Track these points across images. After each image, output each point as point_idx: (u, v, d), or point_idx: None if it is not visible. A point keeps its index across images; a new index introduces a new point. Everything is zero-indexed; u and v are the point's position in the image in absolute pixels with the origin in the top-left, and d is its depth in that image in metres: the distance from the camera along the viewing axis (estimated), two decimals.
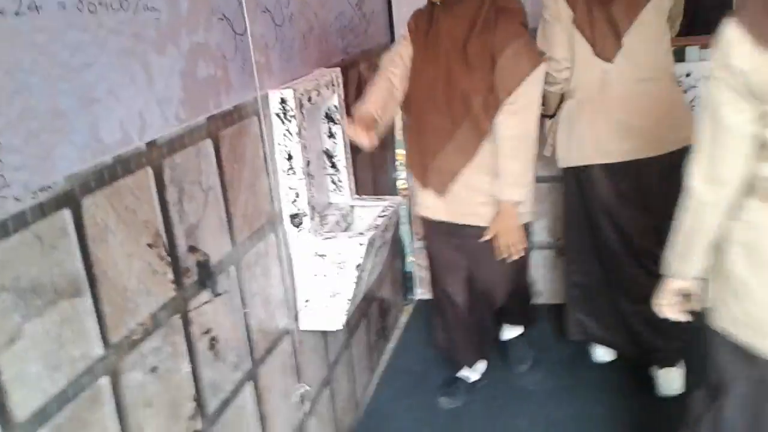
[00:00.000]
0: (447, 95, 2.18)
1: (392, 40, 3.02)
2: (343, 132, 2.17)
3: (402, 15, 2.93)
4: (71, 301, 1.11)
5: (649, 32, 2.21)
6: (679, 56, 2.67)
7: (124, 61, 1.23)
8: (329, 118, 2.16)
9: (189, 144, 1.44)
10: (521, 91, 2.10)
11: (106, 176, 1.19)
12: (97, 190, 1.17)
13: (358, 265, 1.89)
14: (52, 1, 1.06)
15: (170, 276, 1.38)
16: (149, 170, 1.31)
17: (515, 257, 2.28)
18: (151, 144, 1.31)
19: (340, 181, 2.24)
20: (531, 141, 2.19)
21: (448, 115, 2.19)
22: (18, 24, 0.99)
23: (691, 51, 2.65)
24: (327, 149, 2.20)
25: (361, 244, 1.88)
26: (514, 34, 2.09)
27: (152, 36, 1.31)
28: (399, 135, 3.14)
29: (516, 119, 2.13)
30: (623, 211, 2.36)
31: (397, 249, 3.25)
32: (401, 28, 2.96)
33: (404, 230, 3.35)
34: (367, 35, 2.71)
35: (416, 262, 3.37)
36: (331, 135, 2.18)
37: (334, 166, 2.22)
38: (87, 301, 1.14)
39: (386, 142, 3.02)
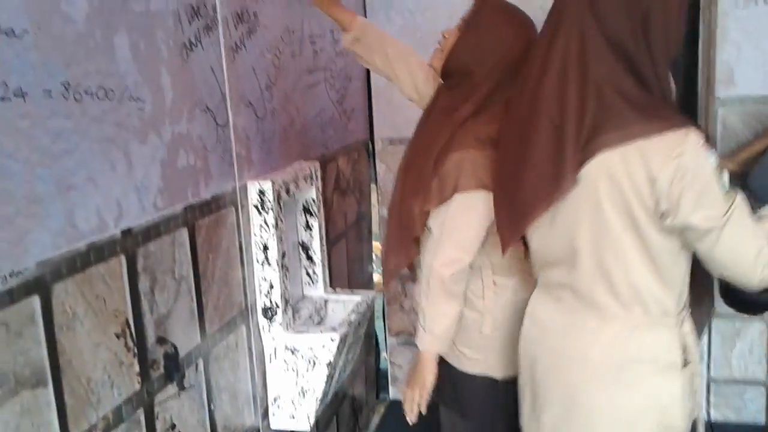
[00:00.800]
0: (401, 180, 1.80)
1: (371, 136, 3.09)
2: (320, 225, 2.18)
3: (382, 112, 3.03)
4: (33, 391, 1.06)
5: None
6: None
7: (105, 148, 1.23)
8: (306, 211, 2.17)
9: (164, 233, 1.43)
10: (434, 215, 1.66)
11: (78, 263, 1.17)
12: (68, 277, 1.14)
13: (329, 363, 1.85)
14: (39, 88, 1.07)
15: (136, 368, 1.33)
16: (123, 258, 1.29)
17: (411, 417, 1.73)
18: (126, 232, 1.30)
19: (314, 273, 2.22)
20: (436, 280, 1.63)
21: (395, 205, 1.81)
22: (3, 110, 1.00)
23: None
24: (303, 241, 2.20)
25: (332, 340, 1.84)
26: (470, 144, 1.60)
27: (135, 125, 1.32)
28: (376, 228, 3.16)
29: (427, 247, 1.69)
30: None
31: (370, 345, 3.20)
32: (380, 126, 3.06)
33: (379, 325, 3.31)
34: (347, 131, 2.77)
35: (390, 359, 3.31)
36: (308, 227, 2.19)
37: (309, 258, 2.21)
38: (49, 392, 1.09)
39: (362, 235, 3.04)
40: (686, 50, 2.77)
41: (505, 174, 1.43)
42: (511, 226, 1.44)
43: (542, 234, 1.43)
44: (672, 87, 1.34)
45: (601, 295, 1.36)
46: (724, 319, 2.95)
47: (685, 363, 1.39)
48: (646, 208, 1.27)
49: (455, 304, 1.65)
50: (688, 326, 1.41)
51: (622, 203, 1.28)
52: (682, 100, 2.80)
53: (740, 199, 1.28)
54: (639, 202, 1.27)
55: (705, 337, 2.97)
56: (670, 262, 1.33)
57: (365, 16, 2.88)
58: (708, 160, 1.25)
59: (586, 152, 1.27)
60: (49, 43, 1.09)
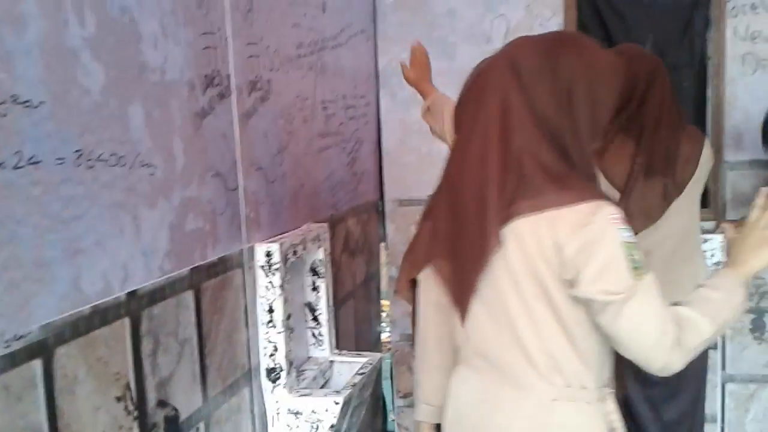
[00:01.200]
0: None
1: (382, 197, 3.14)
2: (327, 286, 2.19)
3: (392, 174, 3.08)
4: None
5: None
6: None
7: (114, 213, 1.26)
8: (314, 272, 2.19)
9: (170, 295, 1.45)
10: None
11: (82, 327, 1.19)
12: (71, 341, 1.16)
13: (332, 426, 1.83)
14: (52, 156, 1.11)
15: None
16: (126, 321, 1.31)
17: None
18: (131, 294, 1.32)
19: (321, 335, 2.23)
20: None
21: None
22: (16, 177, 1.04)
23: None
24: (309, 302, 2.21)
25: (336, 403, 1.84)
26: None
27: (145, 190, 1.36)
28: (384, 286, 3.17)
29: None
30: None
31: (378, 406, 3.16)
32: (391, 187, 3.10)
33: (386, 386, 3.28)
34: (357, 192, 2.81)
35: (398, 421, 3.27)
36: (315, 288, 2.20)
37: (315, 319, 2.22)
38: None
39: (370, 295, 3.04)
40: (695, 115, 2.80)
41: (443, 245, 1.42)
42: (459, 298, 1.41)
43: None
44: None
45: (518, 365, 1.33)
46: (738, 382, 2.90)
47: None
48: (555, 277, 1.26)
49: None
50: (611, 405, 1.38)
51: (533, 271, 1.28)
52: None
53: (650, 279, 1.24)
54: (548, 270, 1.26)
55: (719, 401, 2.92)
56: (584, 333, 1.29)
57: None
58: (617, 235, 1.23)
59: (502, 218, 1.27)
60: (64, 113, 1.13)
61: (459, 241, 1.37)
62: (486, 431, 1.39)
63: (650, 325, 1.23)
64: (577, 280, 1.24)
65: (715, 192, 2.78)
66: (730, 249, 1.41)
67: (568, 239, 1.23)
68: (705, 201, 2.80)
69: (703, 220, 2.77)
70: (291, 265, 1.94)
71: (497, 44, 2.84)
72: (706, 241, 2.62)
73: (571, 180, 1.27)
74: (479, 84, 1.36)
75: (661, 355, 1.24)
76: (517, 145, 1.27)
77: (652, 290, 1.24)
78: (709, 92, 2.74)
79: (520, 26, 2.83)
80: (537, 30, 2.79)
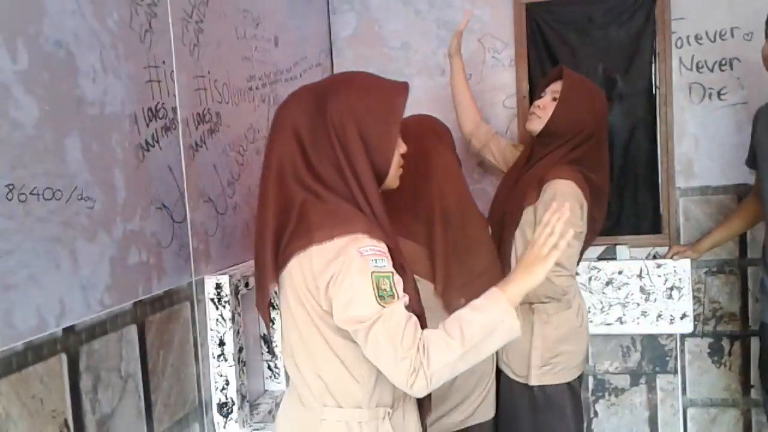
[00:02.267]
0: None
1: None
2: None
3: None
4: None
5: None
6: (611, 254, 2.81)
7: (49, 247, 1.25)
8: (269, 304, 2.17)
9: (111, 330, 1.43)
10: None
11: (14, 363, 1.16)
12: (2, 378, 1.14)
13: None
14: None
15: None
16: (63, 357, 1.29)
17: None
18: (68, 330, 1.30)
19: (276, 367, 2.20)
20: None
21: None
22: None
23: (622, 250, 2.78)
24: (264, 334, 2.19)
25: None
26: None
27: (83, 224, 1.35)
28: None
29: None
30: None
31: None
32: None
33: None
34: None
35: None
36: (271, 320, 2.18)
37: (271, 351, 2.20)
38: None
39: None
40: (647, 142, 2.86)
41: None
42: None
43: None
44: None
45: (299, 386, 1.45)
46: (699, 407, 2.92)
47: None
48: (318, 308, 1.34)
49: None
50: (387, 425, 1.42)
51: (301, 303, 1.36)
52: (645, 192, 2.88)
53: (395, 307, 1.27)
54: (312, 302, 1.34)
55: (681, 427, 2.93)
56: (354, 357, 1.36)
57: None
58: (366, 266, 1.26)
59: (282, 259, 1.37)
60: None
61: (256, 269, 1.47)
62: None
63: (386, 351, 1.26)
64: (333, 310, 1.31)
65: (667, 218, 2.83)
66: (515, 264, 1.43)
67: (321, 272, 1.30)
68: (658, 226, 2.86)
69: (656, 245, 2.84)
70: (243, 297, 1.92)
71: None
72: (659, 266, 2.67)
73: (344, 216, 1.32)
74: (269, 141, 1.42)
75: (402, 378, 1.25)
76: (295, 193, 1.35)
77: (394, 318, 1.26)
78: (659, 121, 2.81)
79: (473, 58, 2.88)
80: (490, 62, 2.86)
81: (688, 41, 2.76)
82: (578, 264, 2.21)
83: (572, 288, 2.11)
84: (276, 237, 1.38)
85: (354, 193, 1.35)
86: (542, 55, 2.86)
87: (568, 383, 2.15)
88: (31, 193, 1.21)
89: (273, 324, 2.09)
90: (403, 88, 1.40)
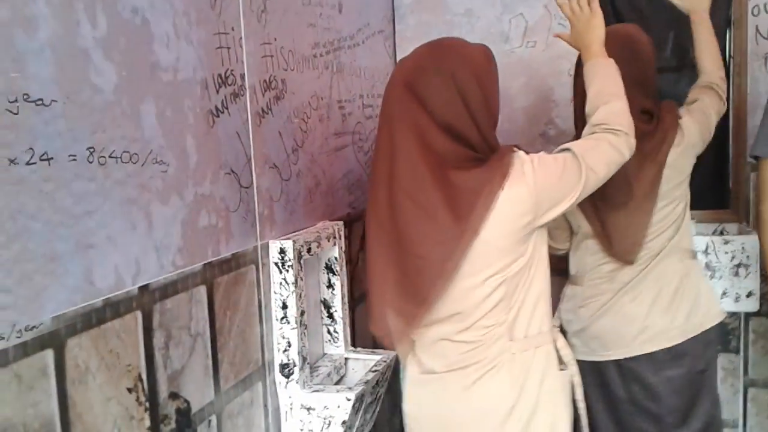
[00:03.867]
0: None
1: None
2: (342, 284, 2.21)
3: None
4: None
5: None
6: None
7: (126, 209, 1.30)
8: (329, 269, 2.21)
9: (182, 290, 1.48)
10: None
11: (93, 319, 1.22)
12: (83, 332, 1.20)
13: (344, 422, 1.85)
14: (64, 153, 1.14)
15: (147, 423, 1.36)
16: (138, 314, 1.34)
17: None
18: (143, 288, 1.35)
19: (336, 332, 2.25)
20: None
21: None
22: (28, 173, 1.07)
23: None
24: (325, 299, 2.23)
25: (348, 399, 1.85)
26: None
27: (158, 187, 1.39)
28: None
29: None
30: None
31: (396, 405, 3.17)
32: None
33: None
34: None
35: None
36: (330, 285, 2.22)
37: (330, 316, 2.24)
38: None
39: None
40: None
41: (387, 264, 1.55)
42: (412, 311, 1.55)
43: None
44: None
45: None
46: (760, 387, 2.86)
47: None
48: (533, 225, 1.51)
49: None
50: (562, 341, 1.64)
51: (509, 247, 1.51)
52: (714, 165, 2.79)
53: (572, 147, 1.56)
54: (528, 227, 1.51)
55: (741, 406, 2.87)
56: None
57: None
58: (544, 161, 1.50)
59: (472, 222, 1.44)
60: (76, 111, 1.17)
61: (405, 267, 1.51)
62: None
63: (603, 153, 1.56)
64: (549, 210, 1.50)
65: (736, 193, 2.74)
66: (576, 46, 1.78)
67: (526, 192, 1.46)
68: (727, 201, 2.77)
69: (726, 221, 2.76)
70: (305, 262, 1.96)
71: (516, 43, 2.87)
72: (726, 242, 2.59)
73: (490, 162, 1.48)
74: (387, 111, 1.55)
75: (626, 151, 1.58)
76: (437, 156, 1.45)
77: (584, 148, 1.56)
78: (732, 91, 2.70)
79: (539, 25, 2.82)
80: (556, 29, 2.79)
81: (766, 9, 2.64)
82: None
83: None
84: (444, 204, 1.45)
85: (474, 143, 1.48)
86: (611, 22, 2.77)
87: None
88: (110, 157, 1.25)
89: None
90: (490, 50, 1.58)
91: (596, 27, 1.71)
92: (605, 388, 2.11)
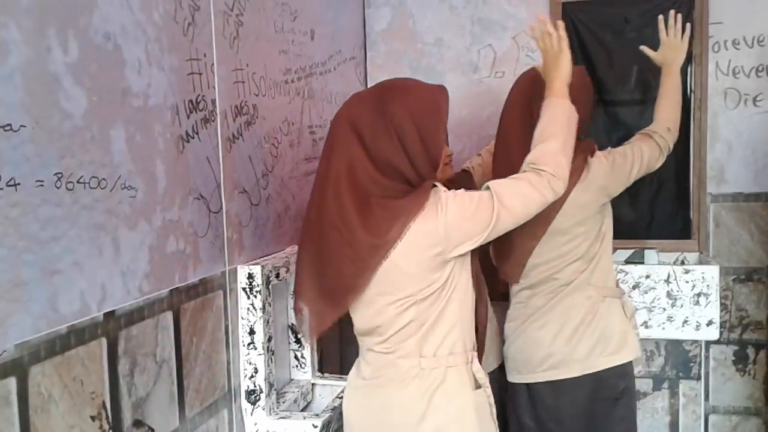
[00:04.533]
0: None
1: None
2: None
3: None
4: None
5: None
6: (639, 258, 2.80)
7: (93, 235, 1.29)
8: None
9: (148, 316, 1.47)
10: None
11: (57, 346, 1.20)
12: (46, 360, 1.18)
13: None
14: (32, 178, 1.14)
15: None
16: (103, 341, 1.33)
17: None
18: (108, 315, 1.34)
19: (303, 357, 2.24)
20: None
21: None
22: None
23: (650, 254, 2.77)
24: (292, 324, 2.22)
25: (314, 426, 1.85)
26: None
27: (126, 212, 1.39)
28: None
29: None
30: None
31: None
32: None
33: None
34: None
35: None
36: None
37: (298, 341, 2.23)
38: None
39: None
40: (680, 146, 2.84)
41: (310, 273, 1.63)
42: (327, 315, 1.65)
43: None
44: None
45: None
46: (721, 414, 2.91)
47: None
48: (438, 259, 1.54)
49: None
50: (477, 365, 1.66)
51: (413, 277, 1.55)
52: (676, 196, 2.87)
53: (494, 188, 1.57)
54: (433, 259, 1.54)
55: (702, 431, 2.93)
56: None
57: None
58: (458, 197, 1.53)
59: (384, 247, 1.51)
60: (45, 136, 1.17)
61: (328, 274, 1.59)
62: None
63: (525, 194, 1.58)
64: (459, 245, 1.54)
65: (697, 223, 2.81)
66: (545, 79, 1.81)
67: (437, 227, 1.51)
68: (688, 232, 2.84)
69: (685, 251, 2.82)
70: (273, 287, 1.96)
71: (485, 73, 2.92)
72: (687, 272, 2.65)
73: (412, 194, 1.53)
74: (328, 143, 1.59)
75: (547, 193, 1.60)
76: (365, 189, 1.52)
77: (503, 186, 1.58)
78: (692, 125, 2.78)
79: (507, 56, 2.88)
80: (524, 60, 2.85)
81: (726, 46, 2.73)
82: None
83: None
84: (365, 234, 1.52)
85: (412, 180, 1.55)
86: (577, 55, 2.84)
87: None
88: (78, 182, 1.24)
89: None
90: (445, 92, 1.62)
91: (562, 65, 1.75)
92: (518, 409, 2.17)
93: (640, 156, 2.06)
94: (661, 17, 2.12)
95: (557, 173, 1.60)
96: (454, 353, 1.60)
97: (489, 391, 1.67)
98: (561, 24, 1.79)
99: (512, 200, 1.55)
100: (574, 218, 2.01)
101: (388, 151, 1.52)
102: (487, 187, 1.58)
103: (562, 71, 1.75)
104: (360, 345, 1.72)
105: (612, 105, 2.88)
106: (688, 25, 2.15)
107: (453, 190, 1.56)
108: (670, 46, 2.14)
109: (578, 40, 2.84)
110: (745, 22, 2.70)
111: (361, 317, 1.64)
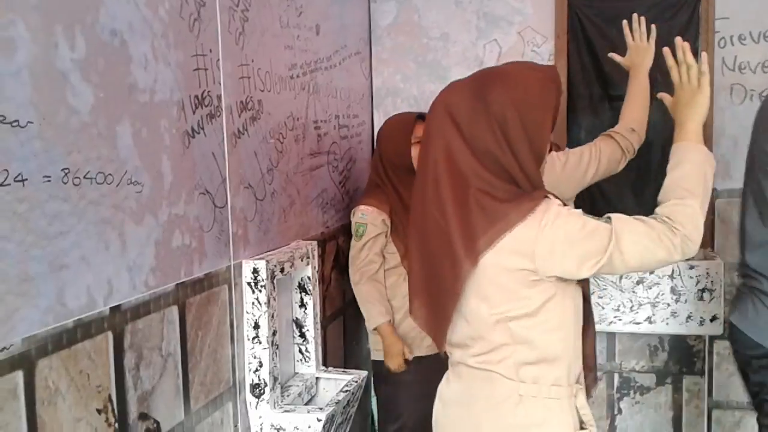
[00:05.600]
0: None
1: None
2: (314, 303, 2.22)
3: None
4: None
5: None
6: None
7: (100, 229, 1.30)
8: (302, 289, 2.22)
9: (154, 310, 1.48)
10: None
11: (64, 340, 1.22)
12: (53, 353, 1.19)
13: None
14: (39, 174, 1.15)
15: None
16: (109, 335, 1.34)
17: None
18: (115, 309, 1.35)
19: (307, 351, 2.25)
20: None
21: None
22: (2, 194, 1.07)
23: None
24: (297, 318, 2.24)
25: (318, 420, 1.86)
26: None
27: (132, 207, 1.40)
28: None
29: None
30: None
31: (366, 424, 3.18)
32: None
33: (374, 403, 3.29)
34: (348, 210, 2.84)
35: None
36: (303, 305, 2.23)
37: (302, 335, 2.24)
38: None
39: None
40: None
41: (419, 276, 1.52)
42: (436, 325, 1.52)
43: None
44: None
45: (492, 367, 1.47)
46: (724, 409, 2.92)
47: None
48: (531, 277, 1.39)
49: None
50: (582, 400, 1.48)
51: (503, 288, 1.41)
52: None
53: (615, 222, 1.38)
54: (523, 279, 1.39)
55: (705, 428, 2.93)
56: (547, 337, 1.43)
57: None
58: (570, 215, 1.37)
59: (475, 251, 1.39)
60: (52, 132, 1.18)
61: (433, 273, 1.47)
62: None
63: (646, 243, 1.36)
64: (570, 270, 1.38)
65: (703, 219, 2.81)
66: (674, 116, 1.58)
67: (536, 243, 1.36)
68: None
69: None
70: (278, 282, 1.97)
71: None
72: (691, 267, 2.66)
73: (519, 200, 1.39)
74: (426, 131, 1.48)
75: (673, 250, 1.37)
76: (465, 180, 1.39)
77: (623, 222, 1.38)
78: None
79: (512, 51, 2.88)
80: (529, 55, 2.85)
81: (732, 41, 2.73)
82: None
83: None
84: (460, 230, 1.40)
85: (514, 175, 1.41)
86: (582, 50, 2.85)
87: None
88: (84, 177, 1.25)
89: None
90: (554, 77, 1.46)
91: (699, 104, 1.52)
92: None
93: (598, 157, 2.02)
94: (625, 22, 2.10)
95: (693, 237, 1.38)
96: (558, 385, 1.44)
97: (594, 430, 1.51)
98: (705, 57, 1.56)
99: (632, 247, 1.36)
100: None
101: (488, 141, 1.39)
102: (609, 218, 1.39)
103: (698, 112, 1.52)
104: (450, 357, 1.58)
105: (618, 100, 2.85)
106: (654, 27, 2.11)
107: (568, 208, 1.40)
108: (637, 50, 2.12)
109: (584, 35, 2.84)
110: (751, 18, 2.69)
111: (453, 326, 1.50)
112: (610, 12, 2.81)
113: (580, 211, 1.40)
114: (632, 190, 2.91)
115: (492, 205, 1.38)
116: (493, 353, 1.45)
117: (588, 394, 1.54)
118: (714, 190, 2.79)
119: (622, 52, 2.81)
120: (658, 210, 1.43)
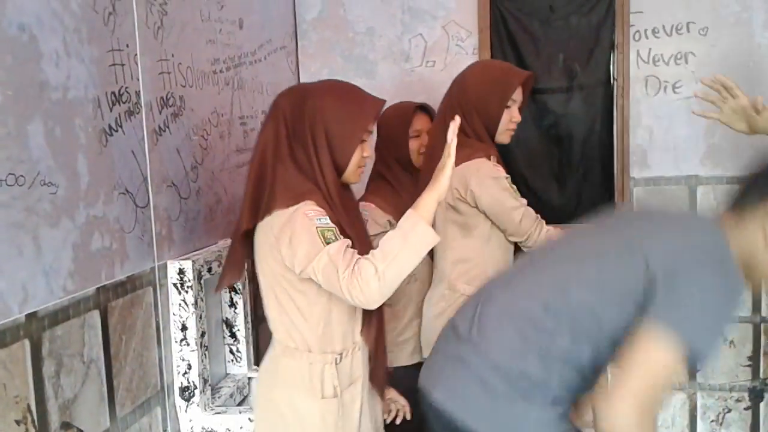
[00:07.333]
0: None
1: None
2: (244, 302, 2.19)
3: None
4: None
5: None
6: None
7: (12, 234, 1.24)
8: (232, 288, 2.19)
9: (74, 315, 1.43)
10: None
11: None
12: None
13: None
14: None
15: None
16: (26, 343, 1.29)
17: None
18: (31, 316, 1.30)
19: (238, 351, 2.22)
20: None
21: None
22: None
23: None
24: (227, 318, 2.20)
25: (250, 420, 1.83)
26: None
27: (46, 209, 1.34)
28: None
29: None
30: None
31: None
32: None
33: None
34: None
35: None
36: (232, 304, 2.19)
37: (233, 335, 2.21)
38: None
39: None
40: (604, 134, 2.94)
41: None
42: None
43: None
44: None
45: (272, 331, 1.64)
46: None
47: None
48: (279, 260, 1.50)
49: None
50: (333, 370, 1.56)
51: (267, 256, 1.53)
52: (601, 181, 2.96)
53: (333, 244, 1.45)
54: (275, 254, 1.50)
55: None
56: (307, 303, 1.55)
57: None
58: (310, 223, 1.45)
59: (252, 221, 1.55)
60: None
61: None
62: None
63: (330, 273, 1.44)
64: (294, 263, 1.48)
65: (621, 206, 2.91)
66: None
67: (279, 233, 1.48)
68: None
69: None
70: (206, 282, 1.93)
71: (416, 62, 2.94)
72: None
73: (301, 190, 1.51)
74: (265, 121, 1.62)
75: (345, 291, 1.43)
76: (272, 167, 1.54)
77: (333, 249, 1.45)
78: (615, 112, 2.88)
79: (437, 46, 2.91)
80: (453, 50, 2.88)
81: (646, 35, 2.83)
82: None
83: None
84: (253, 199, 1.56)
85: (316, 176, 1.54)
86: (504, 44, 2.90)
87: None
88: None
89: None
90: (376, 107, 1.58)
91: (441, 182, 1.52)
92: None
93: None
94: None
95: (362, 291, 1.45)
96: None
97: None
98: (451, 143, 1.54)
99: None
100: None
101: (302, 144, 1.53)
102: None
103: (439, 186, 1.52)
104: None
105: (540, 93, 2.94)
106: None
107: (316, 218, 1.48)
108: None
109: (506, 29, 2.89)
110: (663, 12, 2.80)
111: None
112: (530, 6, 2.88)
113: (328, 221, 1.48)
114: (556, 181, 2.99)
115: (280, 191, 1.52)
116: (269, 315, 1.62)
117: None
118: (632, 179, 2.90)
119: (544, 45, 2.89)
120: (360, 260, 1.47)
